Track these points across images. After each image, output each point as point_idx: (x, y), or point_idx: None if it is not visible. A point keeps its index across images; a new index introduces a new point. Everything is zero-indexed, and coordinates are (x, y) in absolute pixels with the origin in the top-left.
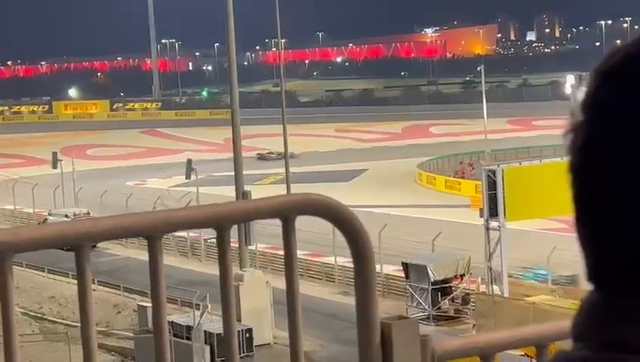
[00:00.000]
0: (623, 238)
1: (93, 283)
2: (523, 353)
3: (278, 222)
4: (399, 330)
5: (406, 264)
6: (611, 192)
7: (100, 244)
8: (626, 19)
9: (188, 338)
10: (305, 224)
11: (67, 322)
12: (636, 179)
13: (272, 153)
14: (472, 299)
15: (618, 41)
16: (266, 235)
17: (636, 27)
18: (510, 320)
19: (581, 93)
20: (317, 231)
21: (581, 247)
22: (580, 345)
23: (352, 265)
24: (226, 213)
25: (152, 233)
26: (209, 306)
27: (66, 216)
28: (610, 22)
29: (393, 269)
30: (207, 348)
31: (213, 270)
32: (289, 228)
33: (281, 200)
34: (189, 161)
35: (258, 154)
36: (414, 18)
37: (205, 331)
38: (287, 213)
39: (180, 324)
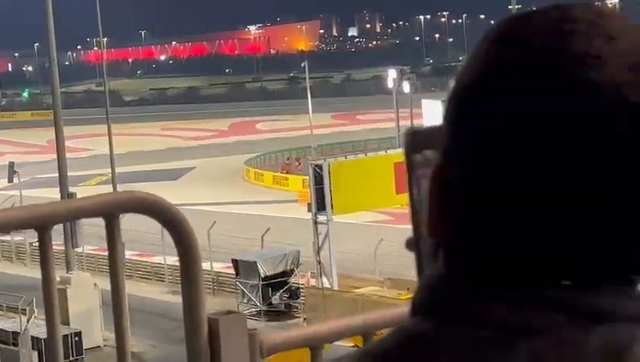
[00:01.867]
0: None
1: None
2: (353, 344)
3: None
4: (226, 325)
5: (236, 261)
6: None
7: None
8: (444, 13)
9: (15, 345)
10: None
11: None
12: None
13: None
14: (302, 293)
15: (437, 35)
16: (96, 236)
17: (453, 21)
18: (340, 312)
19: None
20: (146, 231)
21: (432, 227)
22: (420, 319)
23: None
24: (47, 213)
25: None
26: (35, 311)
27: None
28: (429, 17)
29: (223, 266)
30: (35, 354)
31: (40, 274)
32: (113, 226)
33: (105, 198)
34: (11, 164)
35: None
36: (237, 15)
37: (32, 336)
38: (111, 211)
39: (5, 330)
